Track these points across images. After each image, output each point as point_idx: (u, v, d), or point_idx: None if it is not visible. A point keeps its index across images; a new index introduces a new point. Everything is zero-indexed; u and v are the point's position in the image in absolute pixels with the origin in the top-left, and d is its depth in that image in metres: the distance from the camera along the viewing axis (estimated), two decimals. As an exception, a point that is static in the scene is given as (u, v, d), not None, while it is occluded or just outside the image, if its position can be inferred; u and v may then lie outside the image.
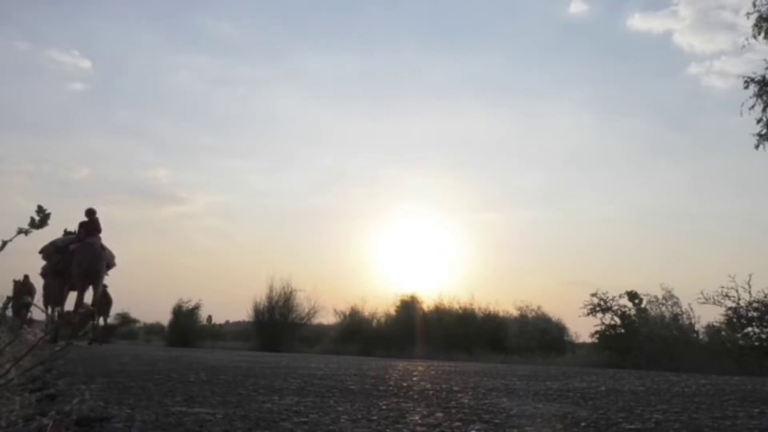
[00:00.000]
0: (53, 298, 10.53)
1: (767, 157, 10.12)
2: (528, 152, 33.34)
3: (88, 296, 10.05)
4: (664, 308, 10.55)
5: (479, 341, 13.74)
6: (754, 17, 10.11)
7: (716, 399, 2.91)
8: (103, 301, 14.30)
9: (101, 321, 14.91)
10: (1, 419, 1.41)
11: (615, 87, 32.28)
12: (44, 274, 10.84)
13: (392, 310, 16.70)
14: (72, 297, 10.42)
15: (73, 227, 10.77)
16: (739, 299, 9.05)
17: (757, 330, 8.93)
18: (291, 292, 17.99)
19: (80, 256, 9.84)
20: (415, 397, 2.73)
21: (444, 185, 34.21)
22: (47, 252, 10.34)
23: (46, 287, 11.07)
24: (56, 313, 10.21)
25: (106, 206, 32.21)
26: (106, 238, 10.57)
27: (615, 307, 10.75)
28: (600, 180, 31.01)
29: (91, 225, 10.32)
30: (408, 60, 33.60)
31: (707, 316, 12.63)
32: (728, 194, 29.21)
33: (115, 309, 25.44)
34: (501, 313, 15.44)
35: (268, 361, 6.56)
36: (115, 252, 10.82)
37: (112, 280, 13.79)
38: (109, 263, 10.53)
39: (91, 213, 10.38)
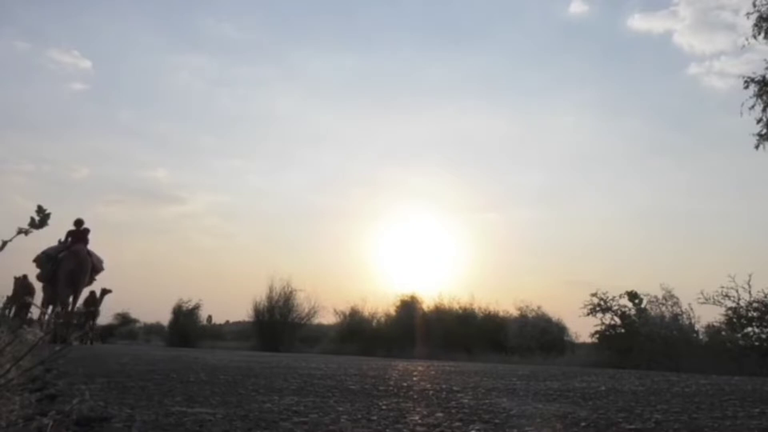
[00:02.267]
0: (49, 301, 10.89)
1: (767, 157, 10.11)
2: (528, 152, 33.34)
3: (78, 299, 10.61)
4: (664, 308, 10.55)
5: (479, 341, 13.71)
6: (754, 17, 10.10)
7: (716, 399, 2.91)
8: (94, 305, 14.67)
9: (91, 322, 15.17)
10: (1, 419, 1.41)
11: (615, 87, 32.27)
12: (40, 280, 11.18)
13: (392, 310, 16.70)
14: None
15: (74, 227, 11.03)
16: (739, 299, 9.05)
17: (757, 330, 8.92)
18: (291, 292, 17.99)
19: (66, 264, 10.35)
20: (415, 397, 2.73)
21: (444, 185, 34.20)
22: (39, 261, 10.75)
23: (44, 290, 11.40)
24: (54, 314, 10.41)
25: (106, 206, 32.27)
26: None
27: (615, 307, 10.74)
28: (600, 180, 31.02)
29: (78, 234, 10.81)
30: (408, 60, 33.62)
31: (707, 316, 12.62)
32: (728, 194, 29.20)
33: (116, 309, 25.55)
34: (501, 313, 15.42)
35: (268, 361, 6.56)
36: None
37: (111, 280, 13.89)
38: (97, 268, 10.94)
39: (79, 223, 10.90)
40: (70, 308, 10.52)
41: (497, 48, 33.59)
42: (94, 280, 11.27)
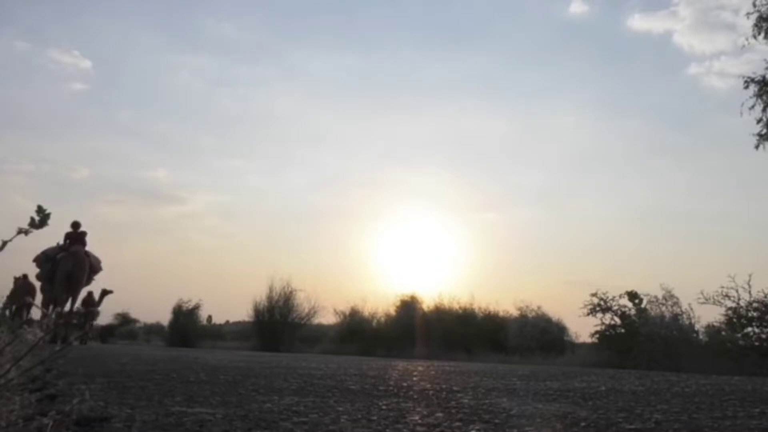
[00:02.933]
0: (48, 301, 11.03)
1: (767, 157, 10.11)
2: (528, 152, 33.34)
3: (68, 300, 10.85)
4: (664, 308, 10.55)
5: (479, 341, 13.71)
6: (754, 17, 10.09)
7: (716, 399, 2.91)
8: (92, 305, 14.84)
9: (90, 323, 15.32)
10: (1, 419, 1.41)
11: (615, 87, 32.26)
12: (39, 279, 11.31)
13: (392, 310, 16.69)
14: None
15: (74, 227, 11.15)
16: (739, 299, 9.05)
17: (757, 330, 8.91)
18: (291, 292, 17.98)
19: (64, 264, 10.53)
20: (415, 397, 2.73)
21: (444, 185, 34.19)
22: (39, 260, 10.93)
23: (42, 290, 11.55)
24: (55, 314, 10.50)
25: (106, 206, 32.25)
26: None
27: (615, 307, 10.74)
28: (600, 180, 31.02)
29: (76, 236, 11.00)
30: (408, 59, 33.61)
31: (707, 316, 12.62)
32: (728, 194, 29.20)
33: (116, 309, 25.56)
34: (501, 313, 15.42)
35: (268, 361, 6.56)
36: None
37: (111, 280, 13.95)
38: (95, 268, 11.10)
39: (76, 225, 11.09)
40: (68, 308, 10.65)
41: (497, 48, 33.61)
42: (93, 280, 11.39)
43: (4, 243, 1.34)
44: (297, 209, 33.91)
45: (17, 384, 1.55)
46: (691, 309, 10.28)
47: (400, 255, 26.46)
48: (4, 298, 10.37)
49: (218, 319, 25.95)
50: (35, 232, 1.36)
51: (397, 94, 34.99)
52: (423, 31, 33.87)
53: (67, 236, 10.95)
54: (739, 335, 9.04)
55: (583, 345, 13.32)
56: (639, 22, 29.62)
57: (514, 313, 14.96)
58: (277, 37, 34.33)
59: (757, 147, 10.12)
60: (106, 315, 20.37)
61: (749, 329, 8.99)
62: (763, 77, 9.99)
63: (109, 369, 4.08)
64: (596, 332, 10.88)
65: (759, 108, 10.03)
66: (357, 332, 16.18)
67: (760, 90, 10.00)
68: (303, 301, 17.97)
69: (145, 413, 1.90)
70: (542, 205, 31.93)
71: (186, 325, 19.78)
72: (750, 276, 8.94)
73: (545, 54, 32.77)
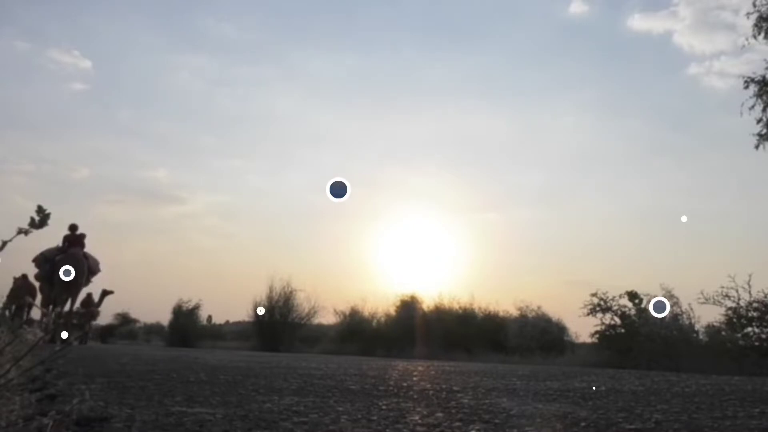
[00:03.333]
0: (47, 301, 11.12)
1: (767, 157, 10.11)
2: (528, 152, 33.23)
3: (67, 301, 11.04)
4: (663, 308, 10.55)
5: (479, 341, 13.71)
6: (754, 17, 10.12)
7: (716, 399, 2.91)
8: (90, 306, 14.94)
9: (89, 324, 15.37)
10: (1, 419, 1.41)
11: (615, 87, 32.15)
12: (38, 279, 11.41)
13: (392, 310, 16.69)
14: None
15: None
16: (739, 299, 9.05)
17: (757, 330, 8.92)
18: (291, 292, 17.99)
19: (62, 266, 10.63)
20: (415, 397, 2.73)
21: (444, 185, 34.10)
22: (38, 261, 11.06)
23: (41, 290, 11.66)
24: (54, 314, 10.57)
25: (106, 206, 32.20)
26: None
27: (615, 307, 10.74)
28: (600, 180, 30.94)
29: (74, 239, 11.15)
30: (408, 59, 33.49)
31: (707, 316, 12.61)
32: (728, 194, 29.16)
33: (116, 309, 25.57)
34: (501, 313, 15.42)
35: (268, 361, 6.56)
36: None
37: (111, 280, 13.98)
38: (93, 269, 11.20)
39: (73, 228, 11.25)
40: (67, 309, 10.74)
41: (497, 48, 33.50)
42: (90, 282, 11.47)
43: (4, 243, 1.34)
44: (297, 209, 33.84)
45: (17, 384, 1.55)
46: (691, 309, 10.30)
47: (400, 255, 26.42)
48: (4, 298, 10.42)
49: (218, 319, 25.96)
50: (35, 232, 1.36)
51: (397, 94, 34.89)
52: (423, 31, 33.78)
53: (66, 239, 11.04)
54: (739, 335, 9.03)
55: (583, 345, 13.31)
56: (639, 22, 29.56)
57: (514, 313, 14.97)
58: (277, 37, 34.26)
59: (757, 147, 10.14)
60: (106, 315, 20.42)
61: (749, 329, 9.00)
62: (763, 77, 10.01)
63: (109, 369, 4.09)
64: (596, 332, 10.88)
65: (759, 108, 10.06)
66: (357, 332, 16.18)
67: (760, 90, 10.01)
68: (303, 301, 18.00)
69: (145, 413, 1.90)
70: (542, 205, 31.87)
71: (186, 325, 19.79)
72: (750, 276, 8.96)
73: (545, 54, 32.69)
